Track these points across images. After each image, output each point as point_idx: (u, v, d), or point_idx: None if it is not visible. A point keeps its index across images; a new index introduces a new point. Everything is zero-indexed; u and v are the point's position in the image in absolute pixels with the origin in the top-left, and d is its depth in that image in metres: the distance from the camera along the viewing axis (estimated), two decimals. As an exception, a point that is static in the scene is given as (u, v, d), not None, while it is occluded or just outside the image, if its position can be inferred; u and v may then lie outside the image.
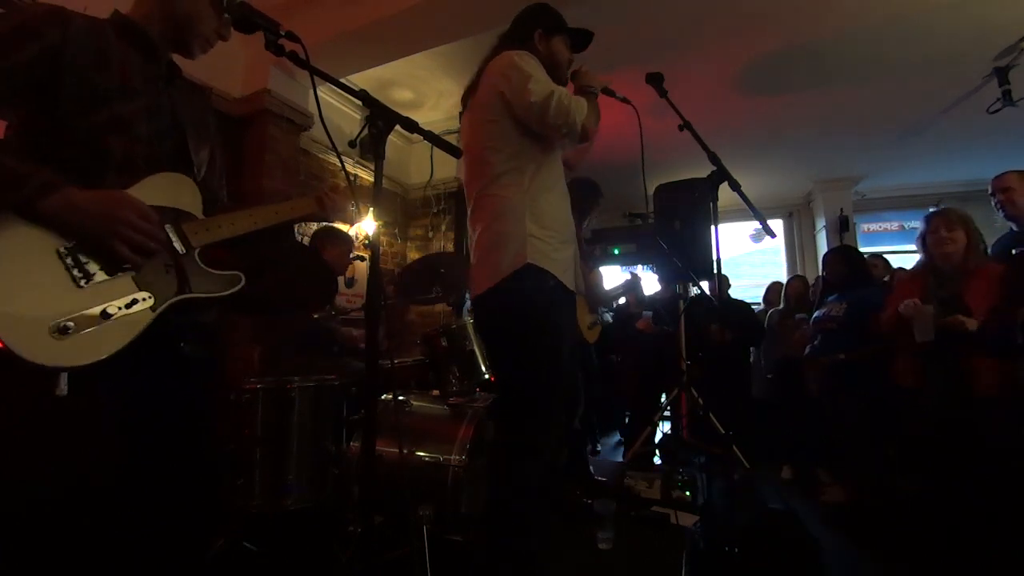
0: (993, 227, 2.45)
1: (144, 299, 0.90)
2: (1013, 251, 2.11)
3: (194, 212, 1.03)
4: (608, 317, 4.27)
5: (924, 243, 2.25)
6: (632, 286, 3.47)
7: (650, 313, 3.84)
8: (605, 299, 3.42)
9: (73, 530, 0.86)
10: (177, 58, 1.13)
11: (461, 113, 1.61)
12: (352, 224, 3.87)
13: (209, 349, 1.10)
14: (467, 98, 1.56)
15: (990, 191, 2.35)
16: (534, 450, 1.35)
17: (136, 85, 0.99)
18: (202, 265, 1.00)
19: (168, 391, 1.00)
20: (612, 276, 3.76)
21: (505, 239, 1.39)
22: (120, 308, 0.87)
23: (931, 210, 2.34)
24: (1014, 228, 2.30)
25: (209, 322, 1.10)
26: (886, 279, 3.48)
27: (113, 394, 0.89)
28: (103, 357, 0.82)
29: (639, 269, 3.42)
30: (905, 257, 5.00)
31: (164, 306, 0.92)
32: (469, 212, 1.53)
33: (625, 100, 1.65)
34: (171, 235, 0.97)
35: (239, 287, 1.04)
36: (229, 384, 1.89)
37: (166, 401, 1.00)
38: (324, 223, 3.63)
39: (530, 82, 1.37)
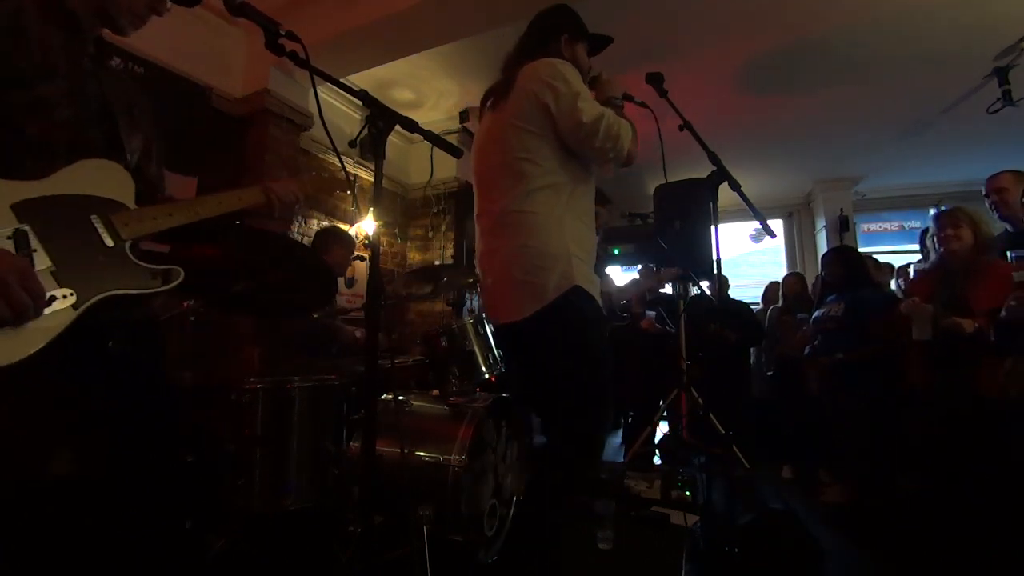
0: (993, 228, 2.45)
1: (65, 296, 0.81)
2: (1008, 253, 2.10)
3: (125, 202, 0.95)
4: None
5: (934, 242, 2.26)
6: (634, 286, 3.48)
7: (653, 313, 3.84)
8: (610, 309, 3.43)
9: (71, 529, 0.85)
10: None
11: (482, 110, 1.50)
12: (352, 224, 3.87)
13: (143, 346, 1.03)
14: (492, 98, 1.45)
15: (984, 192, 2.34)
16: (583, 471, 1.32)
17: (58, 65, 0.90)
18: (132, 259, 0.92)
19: (99, 392, 0.93)
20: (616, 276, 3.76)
21: (547, 259, 1.29)
22: None
23: (943, 208, 2.34)
24: (1009, 229, 2.29)
25: (143, 318, 1.04)
26: (889, 279, 3.48)
27: (38, 396, 0.83)
28: (15, 361, 0.74)
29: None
30: (904, 257, 5.01)
31: (88, 304, 0.84)
32: (490, 226, 1.41)
33: (643, 104, 1.56)
34: (98, 226, 0.89)
35: (175, 283, 0.96)
36: (230, 384, 1.89)
37: (96, 403, 0.93)
38: (328, 224, 3.69)
39: (579, 100, 1.29)
